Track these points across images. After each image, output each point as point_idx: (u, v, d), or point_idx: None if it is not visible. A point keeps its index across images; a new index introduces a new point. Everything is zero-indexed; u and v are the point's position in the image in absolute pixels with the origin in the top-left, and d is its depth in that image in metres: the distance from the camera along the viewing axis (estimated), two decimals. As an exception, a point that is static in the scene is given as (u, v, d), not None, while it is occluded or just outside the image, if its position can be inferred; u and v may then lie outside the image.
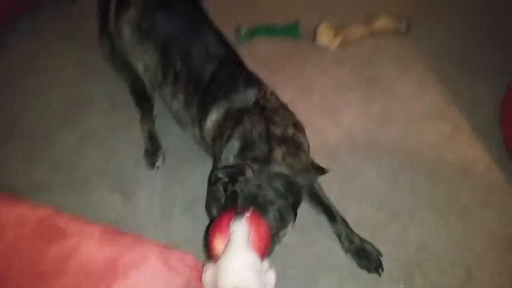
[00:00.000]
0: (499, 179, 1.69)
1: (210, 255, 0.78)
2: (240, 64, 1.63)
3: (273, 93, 1.49)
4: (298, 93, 2.00)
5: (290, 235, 1.49)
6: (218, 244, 0.74)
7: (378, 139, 1.84)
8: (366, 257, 1.43)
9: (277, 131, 1.33)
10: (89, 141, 1.83)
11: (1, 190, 0.89)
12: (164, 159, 1.73)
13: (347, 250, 1.45)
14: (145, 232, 1.53)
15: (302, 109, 1.92)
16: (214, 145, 1.45)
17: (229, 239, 0.72)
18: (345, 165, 1.74)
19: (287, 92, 1.99)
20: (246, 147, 1.28)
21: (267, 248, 0.78)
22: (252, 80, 1.52)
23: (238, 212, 0.76)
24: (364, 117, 1.92)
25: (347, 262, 1.45)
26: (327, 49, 2.19)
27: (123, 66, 1.84)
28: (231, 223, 0.74)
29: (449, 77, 2.08)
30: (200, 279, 0.74)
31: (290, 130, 1.36)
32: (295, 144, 1.35)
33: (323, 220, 1.52)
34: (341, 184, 1.66)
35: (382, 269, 1.42)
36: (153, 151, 1.73)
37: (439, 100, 1.98)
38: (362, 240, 1.45)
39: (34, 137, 1.86)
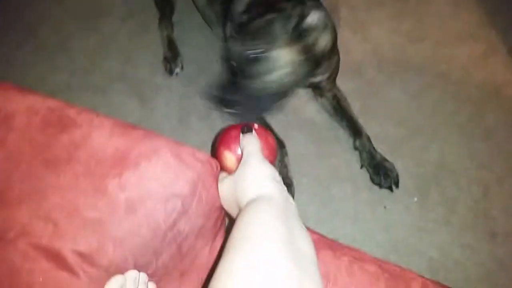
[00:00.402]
0: (530, 103, 1.62)
1: (220, 168, 0.76)
2: None
3: None
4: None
5: (306, 147, 1.50)
6: (228, 159, 0.72)
7: (407, 56, 1.76)
8: (384, 173, 1.40)
9: None
10: (107, 47, 1.80)
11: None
12: (182, 67, 1.70)
13: (365, 165, 1.43)
14: (163, 136, 1.54)
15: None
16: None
17: (240, 153, 0.69)
18: (370, 82, 1.68)
19: (313, 4, 1.90)
20: None
21: (275, 158, 0.76)
22: None
23: (245, 127, 0.72)
24: (394, 33, 1.82)
25: (363, 175, 1.44)
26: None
27: None
28: (240, 137, 0.71)
29: (487, -3, 1.94)
30: (210, 173, 0.73)
31: None
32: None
33: (343, 133, 1.50)
34: (364, 100, 1.62)
35: (397, 186, 1.41)
36: (172, 58, 1.69)
37: (474, 20, 1.85)
38: (382, 159, 1.43)
39: (52, 42, 1.84)
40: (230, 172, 0.71)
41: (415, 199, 1.40)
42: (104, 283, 0.59)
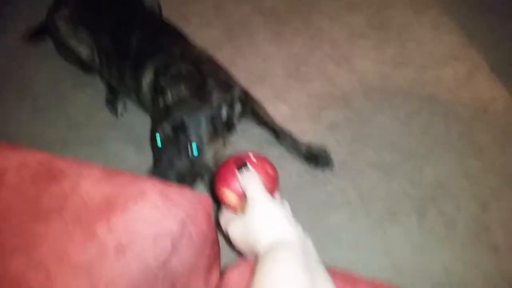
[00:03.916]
0: (518, 118, 1.65)
1: (225, 206, 0.73)
2: (162, 27, 1.67)
3: (201, 51, 1.56)
4: (307, 45, 1.97)
5: (300, 177, 1.51)
6: (229, 197, 0.69)
7: (393, 83, 1.81)
8: (316, 158, 1.51)
9: (206, 69, 1.43)
10: (100, 99, 1.85)
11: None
12: (125, 106, 1.79)
13: (298, 158, 1.54)
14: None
15: (313, 60, 1.92)
16: (153, 106, 1.47)
17: (240, 189, 0.66)
18: (359, 111, 1.72)
19: (296, 44, 1.98)
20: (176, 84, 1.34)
21: (277, 186, 0.71)
22: (175, 37, 1.60)
23: (241, 163, 0.68)
24: (378, 62, 1.88)
25: (359, 201, 1.45)
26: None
27: (68, 54, 1.87)
28: (238, 176, 0.67)
29: (467, 18, 2.00)
30: (200, 210, 0.74)
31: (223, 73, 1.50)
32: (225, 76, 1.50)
33: (336, 162, 1.53)
34: (355, 129, 1.65)
35: (333, 164, 1.52)
36: (112, 99, 1.79)
37: (456, 42, 1.92)
38: (308, 146, 1.53)
39: (47, 98, 1.88)
40: (235, 210, 0.69)
41: (415, 220, 1.40)
42: (98, 328, 0.60)
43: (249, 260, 0.71)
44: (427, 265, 1.31)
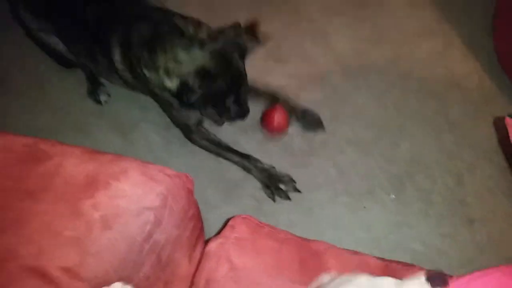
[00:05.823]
0: (490, 91, 1.71)
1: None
2: None
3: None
4: (285, 22, 1.97)
5: (282, 159, 1.54)
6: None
7: (369, 60, 1.83)
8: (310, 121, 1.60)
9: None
10: (83, 86, 1.84)
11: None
12: (108, 94, 1.76)
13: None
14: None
15: (291, 38, 1.92)
16: (138, 81, 1.44)
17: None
18: (337, 89, 1.74)
19: (275, 22, 1.96)
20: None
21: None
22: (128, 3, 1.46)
23: None
24: (355, 39, 1.89)
25: (339, 181, 1.48)
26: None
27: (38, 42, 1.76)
28: None
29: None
30: (180, 187, 0.79)
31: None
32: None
33: (318, 143, 1.56)
34: (333, 107, 1.67)
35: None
36: (94, 89, 1.76)
37: (430, 17, 1.95)
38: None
39: (30, 86, 1.83)
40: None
41: (392, 196, 1.45)
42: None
43: (227, 234, 0.75)
44: (406, 239, 1.36)
